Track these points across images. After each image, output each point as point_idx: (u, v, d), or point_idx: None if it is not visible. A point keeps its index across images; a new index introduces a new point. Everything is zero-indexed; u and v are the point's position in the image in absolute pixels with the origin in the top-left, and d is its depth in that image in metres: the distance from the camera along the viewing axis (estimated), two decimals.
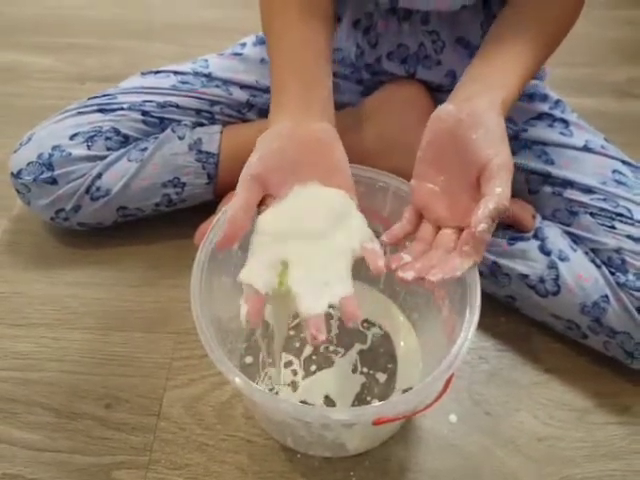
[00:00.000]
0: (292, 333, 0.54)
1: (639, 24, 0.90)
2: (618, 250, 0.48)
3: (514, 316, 0.56)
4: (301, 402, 0.49)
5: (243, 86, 0.63)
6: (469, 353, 0.54)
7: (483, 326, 0.56)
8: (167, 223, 0.63)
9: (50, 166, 0.55)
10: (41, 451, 0.48)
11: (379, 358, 0.53)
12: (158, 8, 0.93)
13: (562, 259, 0.50)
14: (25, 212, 0.65)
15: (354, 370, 0.52)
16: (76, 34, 0.89)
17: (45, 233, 0.63)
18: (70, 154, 0.56)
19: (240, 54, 0.65)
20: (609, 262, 0.49)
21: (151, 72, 0.63)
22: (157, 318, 0.57)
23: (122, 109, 0.59)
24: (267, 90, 0.62)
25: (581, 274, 0.49)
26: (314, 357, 0.53)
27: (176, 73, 0.62)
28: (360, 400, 0.50)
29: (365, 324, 0.55)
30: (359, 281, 0.56)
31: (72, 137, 0.57)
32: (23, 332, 0.55)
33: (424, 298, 0.50)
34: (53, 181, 0.56)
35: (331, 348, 0.54)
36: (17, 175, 0.57)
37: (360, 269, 0.55)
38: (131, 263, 0.61)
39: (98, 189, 0.57)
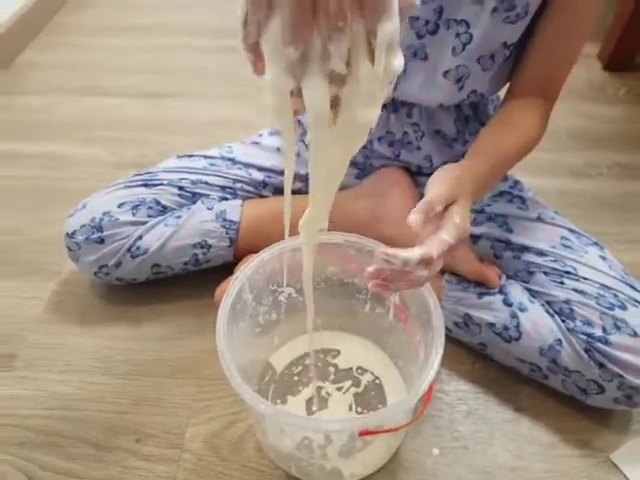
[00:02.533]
0: (296, 379, 0.63)
1: (593, 116, 1.05)
2: (567, 301, 0.58)
3: (487, 362, 0.65)
4: (304, 437, 0.58)
5: (260, 168, 0.76)
6: (449, 395, 0.63)
7: (461, 372, 0.65)
8: (191, 283, 0.73)
9: (100, 228, 0.66)
10: (81, 479, 0.56)
11: (371, 400, 0.61)
12: (187, 108, 1.09)
13: (522, 310, 0.60)
14: (70, 276, 0.76)
15: (350, 409, 0.61)
16: (114, 129, 1.03)
17: (87, 294, 0.74)
18: (117, 219, 0.67)
19: (258, 143, 0.78)
20: (560, 312, 0.58)
21: (186, 155, 0.76)
22: (181, 366, 0.66)
23: (162, 184, 0.71)
24: (280, 172, 0.75)
25: (538, 322, 0.58)
26: (315, 399, 0.62)
27: (206, 157, 0.75)
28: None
29: (359, 370, 0.64)
30: (353, 334, 0.66)
31: (120, 205, 0.68)
32: (66, 377, 0.64)
33: (407, 346, 0.59)
34: (101, 241, 0.66)
35: (330, 391, 0.63)
36: (71, 235, 0.67)
37: (354, 323, 0.66)
38: (159, 318, 0.71)
39: (138, 248, 0.67)
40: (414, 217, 0.43)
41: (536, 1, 0.55)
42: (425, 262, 0.42)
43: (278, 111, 0.32)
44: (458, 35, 0.57)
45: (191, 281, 0.73)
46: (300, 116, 0.33)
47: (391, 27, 0.28)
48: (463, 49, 0.58)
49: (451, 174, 0.48)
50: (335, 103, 0.30)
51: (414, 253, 0.42)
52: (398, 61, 0.30)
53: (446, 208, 0.46)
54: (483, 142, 0.57)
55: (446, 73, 0.61)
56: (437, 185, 0.46)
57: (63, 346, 0.68)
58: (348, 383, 0.63)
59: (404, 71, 0.62)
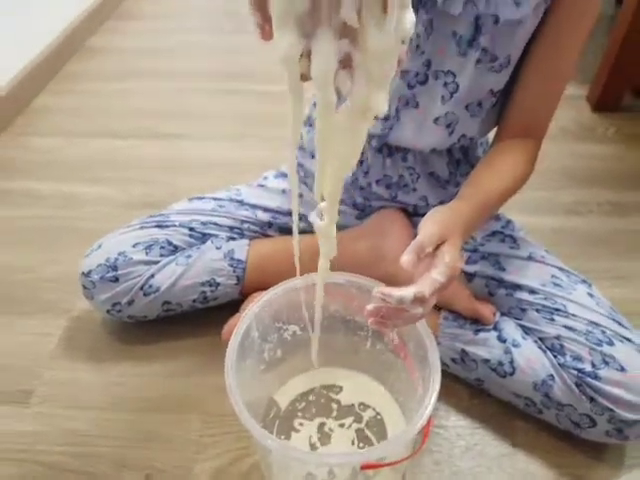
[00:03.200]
0: (300, 415, 0.66)
1: (583, 155, 1.10)
2: (558, 337, 0.61)
3: (484, 398, 0.67)
4: (308, 473, 0.60)
5: (266, 209, 0.80)
6: (448, 431, 0.65)
7: (459, 408, 0.68)
8: (199, 321, 0.76)
9: (115, 267, 0.70)
10: None
11: (373, 435, 0.64)
12: (192, 149, 1.15)
13: (515, 346, 0.63)
14: (82, 314, 0.79)
15: (352, 444, 0.63)
16: (123, 169, 1.08)
17: (98, 331, 0.77)
18: (132, 259, 0.70)
19: (264, 185, 0.83)
20: (552, 347, 0.61)
21: (196, 197, 0.80)
22: (189, 402, 0.68)
23: (174, 225, 0.75)
24: (285, 213, 0.80)
25: (531, 358, 0.61)
26: (319, 435, 0.64)
27: (215, 199, 0.80)
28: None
29: (361, 406, 0.67)
30: (356, 370, 0.69)
31: (134, 245, 0.71)
32: (78, 413, 0.67)
33: (406, 383, 0.62)
34: (115, 279, 0.70)
35: (332, 427, 0.65)
36: (87, 274, 0.70)
37: (356, 360, 0.69)
38: (168, 355, 0.74)
39: (150, 286, 0.71)
40: (406, 258, 0.47)
41: (517, 51, 0.60)
42: (418, 300, 0.46)
43: (287, 74, 0.31)
44: (446, 85, 0.63)
45: (198, 319, 0.76)
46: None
47: None
48: (451, 97, 0.63)
49: (440, 216, 0.52)
50: (347, 64, 0.29)
51: (408, 292, 0.46)
52: (410, 16, 0.29)
53: (437, 248, 0.49)
54: (470, 185, 0.61)
55: (436, 120, 0.65)
56: (427, 227, 0.50)
57: (76, 382, 0.71)
58: (350, 419, 0.65)
59: (397, 119, 0.67)
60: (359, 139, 0.36)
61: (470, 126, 0.67)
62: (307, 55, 0.29)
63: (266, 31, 0.31)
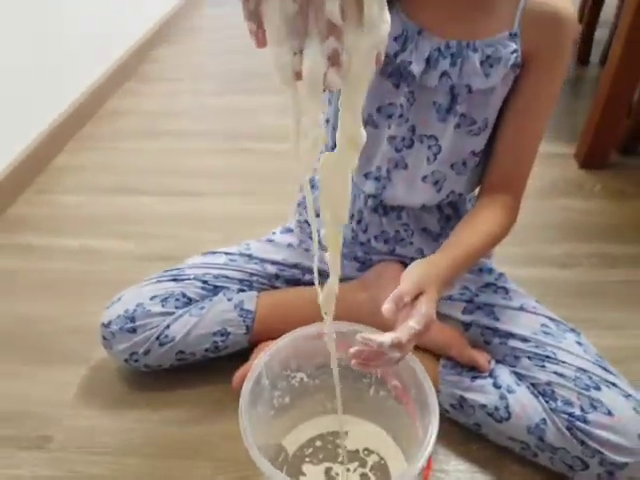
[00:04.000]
0: (307, 460, 0.69)
1: (572, 210, 1.17)
2: (549, 383, 0.66)
3: (483, 442, 0.71)
4: None
5: (273, 263, 0.86)
6: (448, 475, 0.69)
7: (459, 452, 0.71)
8: (210, 371, 0.81)
9: (133, 319, 0.75)
10: None
11: (377, 479, 0.67)
12: (206, 205, 1.22)
13: (510, 392, 0.67)
14: (99, 363, 0.84)
15: None
16: (141, 225, 1.15)
17: (115, 379, 0.82)
18: (149, 310, 0.76)
19: (272, 240, 0.89)
20: (544, 393, 0.66)
21: (209, 252, 0.87)
22: (201, 448, 0.72)
23: (189, 279, 0.80)
24: (291, 266, 0.86)
25: (524, 403, 0.66)
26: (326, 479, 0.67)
27: (227, 254, 0.86)
28: None
29: (366, 452, 0.71)
30: (360, 416, 0.73)
31: (152, 298, 0.77)
32: (94, 458, 0.71)
33: (408, 428, 0.65)
34: (133, 330, 0.75)
35: (338, 472, 0.68)
36: (107, 325, 0.76)
37: (361, 407, 0.73)
38: (181, 403, 0.78)
39: (166, 336, 0.76)
40: (386, 306, 0.54)
41: (493, 114, 0.68)
42: (396, 345, 0.52)
43: (281, 75, 0.33)
44: (430, 147, 0.70)
45: (210, 368, 0.81)
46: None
47: None
48: (435, 158, 0.71)
49: (418, 270, 0.59)
50: (335, 61, 0.32)
51: (386, 338, 0.52)
52: (386, 16, 0.32)
53: (416, 298, 0.56)
54: (452, 239, 0.68)
55: (424, 178, 0.73)
56: (406, 280, 0.57)
57: (93, 428, 0.75)
58: (355, 464, 0.69)
59: (389, 179, 0.75)
60: (346, 181, 0.42)
61: (457, 183, 0.74)
62: (299, 52, 0.32)
63: (260, 38, 0.33)
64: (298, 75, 0.33)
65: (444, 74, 0.63)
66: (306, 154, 0.39)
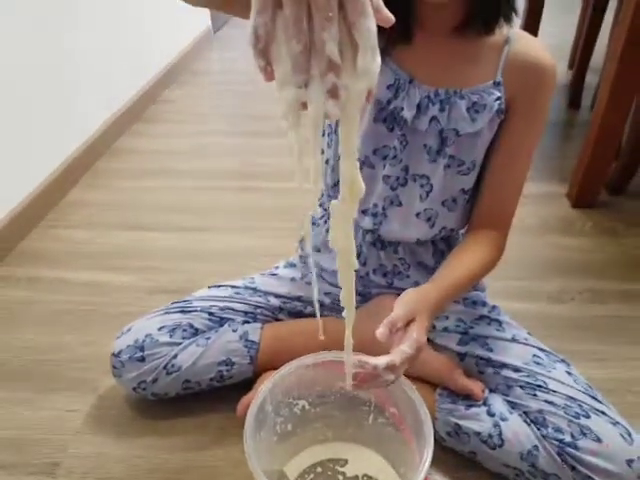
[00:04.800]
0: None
1: (564, 247, 1.23)
2: (540, 411, 0.69)
3: (478, 470, 0.74)
4: None
5: (277, 295, 0.91)
6: None
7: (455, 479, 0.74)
8: (214, 400, 0.84)
9: (142, 348, 0.79)
10: None
11: None
12: (211, 240, 1.28)
13: (503, 419, 0.71)
14: (107, 392, 0.88)
15: None
16: (148, 259, 1.21)
17: (122, 408, 0.85)
18: (157, 340, 0.80)
19: (275, 274, 0.94)
20: (535, 420, 0.70)
21: (215, 286, 0.91)
22: (206, 474, 0.75)
23: (196, 311, 0.85)
24: (294, 299, 0.91)
25: (517, 430, 0.69)
26: None
27: (232, 287, 0.91)
28: None
29: (365, 478, 0.73)
30: (360, 444, 0.76)
31: (160, 329, 0.81)
32: None
33: (406, 454, 0.68)
34: (142, 359, 0.79)
35: None
36: (117, 354, 0.80)
37: (361, 434, 0.76)
38: (187, 431, 0.82)
39: (173, 366, 0.79)
40: (380, 331, 0.59)
41: (480, 155, 0.74)
42: (390, 368, 0.57)
43: (287, 105, 0.37)
44: (422, 186, 0.76)
45: (215, 397, 0.84)
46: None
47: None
48: (427, 196, 0.76)
49: (410, 298, 0.64)
50: (333, 94, 0.36)
51: (381, 361, 0.57)
52: (377, 60, 0.36)
53: (409, 324, 0.61)
54: (442, 270, 0.73)
55: (418, 215, 0.78)
56: (399, 307, 0.62)
57: (100, 455, 0.78)
58: None
59: (385, 215, 0.81)
60: (350, 229, 0.47)
61: (448, 219, 0.79)
62: (304, 86, 0.36)
63: (268, 73, 0.37)
64: (303, 105, 0.37)
65: (433, 119, 0.70)
66: (310, 184, 0.43)
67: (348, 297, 0.54)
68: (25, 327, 1.03)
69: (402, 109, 0.70)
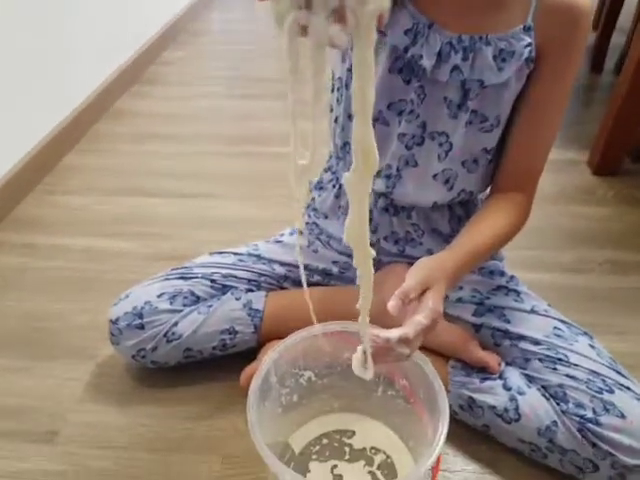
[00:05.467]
0: (314, 458, 0.70)
1: (585, 216, 1.19)
2: (560, 386, 0.67)
3: (491, 444, 0.72)
4: None
5: (282, 264, 0.87)
6: (456, 476, 0.70)
7: (467, 454, 0.72)
8: (217, 368, 0.82)
9: (141, 315, 0.77)
10: None
11: (384, 477, 0.68)
12: (212, 207, 1.25)
13: (520, 393, 0.68)
14: (106, 360, 0.86)
15: None
16: (148, 225, 1.18)
17: (122, 376, 0.83)
18: (157, 307, 0.77)
19: (280, 241, 0.91)
20: (555, 395, 0.67)
21: (217, 252, 0.88)
22: (209, 444, 0.74)
23: (197, 277, 0.82)
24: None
25: (535, 405, 0.67)
26: (332, 477, 0.68)
27: (235, 254, 0.87)
28: None
29: (373, 450, 0.72)
30: (368, 416, 0.74)
31: (159, 296, 0.78)
32: (103, 453, 0.73)
33: (416, 427, 0.66)
34: (141, 327, 0.76)
35: (345, 469, 0.69)
36: (115, 321, 0.77)
37: (368, 406, 0.73)
38: (189, 399, 0.80)
39: (173, 334, 0.77)
40: (391, 303, 0.55)
41: (506, 111, 0.69)
42: (403, 341, 0.54)
43: (280, 25, 0.33)
44: (441, 144, 0.71)
45: (217, 366, 0.82)
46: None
47: None
48: (446, 156, 0.72)
49: (425, 265, 0.60)
50: (340, 17, 0.32)
51: (394, 333, 0.54)
52: None
53: (423, 294, 0.57)
54: (462, 236, 0.69)
55: (435, 176, 0.74)
56: (411, 277, 0.58)
57: (100, 424, 0.77)
58: (362, 462, 0.70)
59: (399, 177, 0.76)
60: (365, 209, 0.44)
61: (468, 181, 0.75)
62: (306, 6, 0.32)
63: None
64: (303, 31, 0.33)
65: (455, 68, 0.64)
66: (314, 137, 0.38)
67: (366, 284, 0.51)
68: (21, 294, 1.00)
69: (420, 57, 0.64)
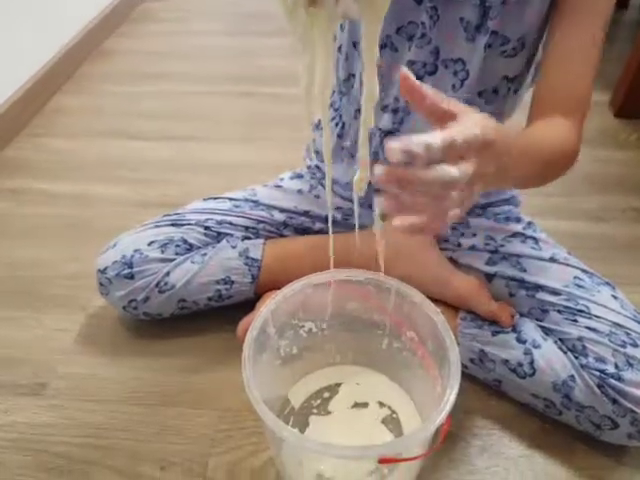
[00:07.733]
0: (315, 411, 0.68)
1: (606, 161, 1.12)
2: (580, 339, 0.63)
3: (502, 400, 0.69)
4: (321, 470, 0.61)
5: (282, 210, 0.82)
6: (464, 431, 0.67)
7: (476, 409, 0.69)
8: (214, 319, 0.79)
9: (130, 265, 0.73)
10: None
11: (391, 431, 0.66)
12: (207, 151, 1.18)
13: (535, 347, 0.64)
14: (98, 310, 0.83)
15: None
16: (138, 170, 1.12)
17: (114, 328, 0.80)
18: (147, 256, 0.73)
19: (280, 186, 0.85)
20: (573, 348, 0.63)
21: (211, 197, 0.83)
22: (204, 397, 0.71)
23: (190, 224, 0.77)
24: (301, 214, 0.82)
25: (551, 358, 0.63)
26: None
27: (231, 199, 0.82)
28: None
29: (378, 404, 0.69)
30: (372, 369, 0.71)
31: (150, 244, 0.74)
32: (95, 406, 0.70)
33: (423, 381, 0.63)
34: (131, 276, 0.73)
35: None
36: (103, 271, 0.74)
37: (373, 358, 0.70)
38: (184, 352, 0.77)
39: (166, 284, 0.73)
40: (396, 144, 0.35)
41: (531, 32, 0.60)
42: (449, 147, 0.35)
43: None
44: (456, 73, 0.64)
45: (213, 317, 0.79)
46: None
47: None
48: (462, 85, 0.65)
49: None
50: None
51: (435, 137, 0.35)
52: None
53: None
54: (524, 130, 0.57)
55: None
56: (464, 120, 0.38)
57: (92, 376, 0.74)
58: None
59: (408, 112, 0.69)
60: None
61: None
62: None
63: None
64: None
65: None
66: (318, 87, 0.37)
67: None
68: (6, 241, 0.96)
69: None
